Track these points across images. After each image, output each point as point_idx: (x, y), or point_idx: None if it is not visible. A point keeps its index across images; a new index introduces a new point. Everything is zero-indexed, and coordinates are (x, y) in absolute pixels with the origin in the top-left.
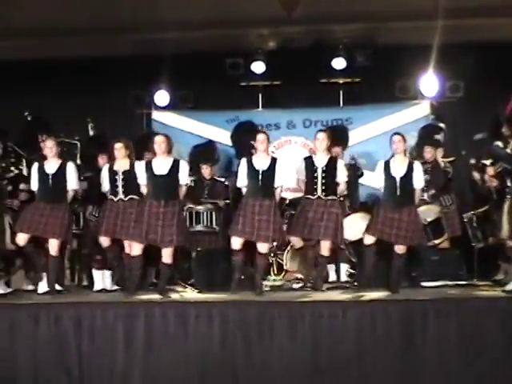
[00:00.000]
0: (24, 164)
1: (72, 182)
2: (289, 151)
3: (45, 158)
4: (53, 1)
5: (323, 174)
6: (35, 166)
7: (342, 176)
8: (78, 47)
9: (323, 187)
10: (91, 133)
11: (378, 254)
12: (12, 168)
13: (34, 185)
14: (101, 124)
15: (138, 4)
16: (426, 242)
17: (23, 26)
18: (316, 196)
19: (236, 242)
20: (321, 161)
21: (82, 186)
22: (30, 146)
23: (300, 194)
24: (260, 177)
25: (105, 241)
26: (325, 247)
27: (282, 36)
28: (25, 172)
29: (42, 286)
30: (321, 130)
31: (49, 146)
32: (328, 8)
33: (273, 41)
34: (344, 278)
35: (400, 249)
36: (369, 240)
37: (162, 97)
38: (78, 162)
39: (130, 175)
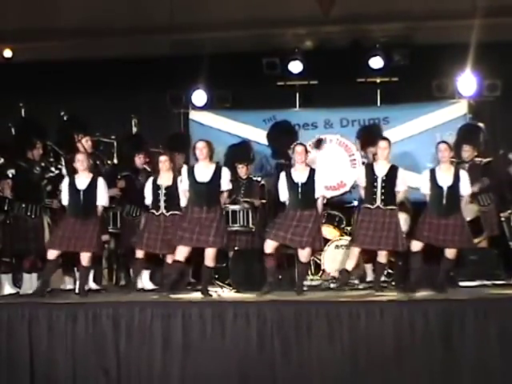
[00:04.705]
0: (63, 163)
1: (102, 198)
2: (325, 149)
3: (75, 171)
4: (91, 2)
5: (383, 184)
6: (66, 181)
7: (401, 185)
8: (116, 47)
9: (382, 197)
10: (134, 129)
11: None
12: (52, 168)
13: (65, 199)
14: (138, 123)
15: (175, 4)
16: (474, 245)
17: (62, 27)
18: (375, 205)
19: (268, 246)
20: (381, 169)
21: (120, 184)
22: (66, 145)
23: (337, 193)
24: (299, 189)
25: (140, 253)
26: (382, 255)
27: (318, 35)
28: (64, 171)
29: None
30: (384, 139)
31: (79, 160)
32: (365, 7)
33: (310, 40)
34: (382, 277)
35: (450, 253)
36: (416, 246)
37: (199, 96)
38: (115, 161)
39: (172, 191)
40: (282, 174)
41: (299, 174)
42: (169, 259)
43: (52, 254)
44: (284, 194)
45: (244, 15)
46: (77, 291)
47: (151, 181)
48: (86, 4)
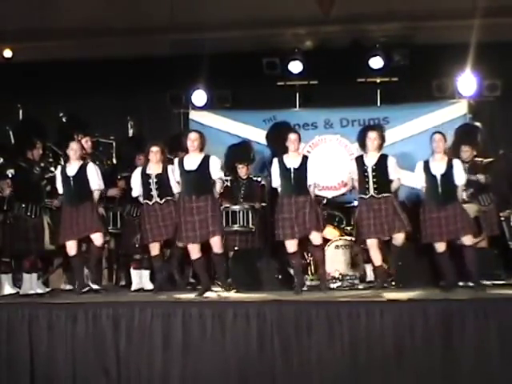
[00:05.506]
0: (62, 163)
1: (94, 183)
2: (324, 149)
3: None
4: (91, 2)
5: (374, 173)
6: (58, 169)
7: (393, 173)
8: (116, 47)
9: (375, 185)
10: (131, 131)
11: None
12: (52, 168)
13: (60, 188)
14: (139, 123)
15: (175, 4)
16: (477, 233)
17: (62, 27)
18: (369, 195)
19: (290, 245)
20: (371, 160)
21: (120, 184)
22: (66, 145)
23: (338, 193)
24: (292, 175)
25: (154, 248)
26: (398, 238)
27: (318, 35)
28: None
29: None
30: (373, 129)
31: (73, 148)
32: (365, 7)
33: (310, 40)
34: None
35: (467, 240)
36: (441, 247)
37: (199, 96)
38: (114, 161)
39: (163, 178)
40: (275, 160)
41: (292, 160)
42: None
43: (71, 248)
44: (276, 180)
45: (244, 15)
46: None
47: (139, 171)
48: (86, 4)
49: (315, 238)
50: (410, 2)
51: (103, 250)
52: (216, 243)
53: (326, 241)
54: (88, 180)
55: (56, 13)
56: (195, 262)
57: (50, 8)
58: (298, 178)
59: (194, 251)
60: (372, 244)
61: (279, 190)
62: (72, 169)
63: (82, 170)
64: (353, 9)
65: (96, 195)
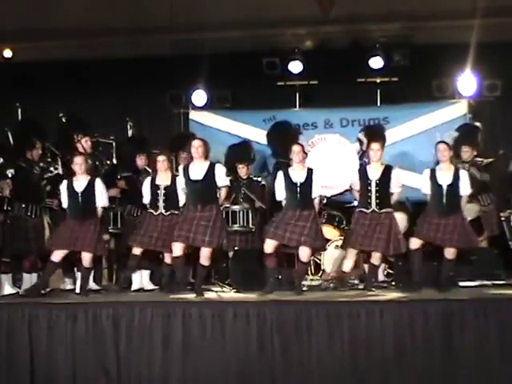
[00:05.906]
0: (59, 163)
1: (100, 199)
2: (324, 148)
3: (72, 172)
4: (91, 2)
5: (377, 188)
6: (64, 183)
7: (395, 187)
8: (116, 47)
9: (377, 200)
10: (130, 132)
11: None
12: (51, 168)
13: (65, 202)
14: (139, 124)
15: (175, 4)
16: (474, 244)
17: (61, 27)
18: (370, 209)
19: (268, 245)
20: (375, 173)
21: (121, 184)
22: (65, 146)
23: (338, 192)
24: (298, 189)
25: (136, 250)
26: (375, 257)
27: (318, 35)
28: (60, 171)
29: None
30: (376, 140)
31: (78, 163)
32: (365, 7)
33: (310, 40)
34: (382, 277)
35: (449, 253)
36: (415, 244)
37: (199, 96)
38: (114, 161)
39: (171, 190)
40: (280, 174)
41: (297, 174)
42: (167, 259)
43: (57, 256)
44: (281, 194)
45: (244, 15)
46: (78, 291)
47: (149, 180)
48: (86, 4)
49: (304, 254)
50: (410, 2)
51: (90, 272)
52: (205, 254)
53: (326, 241)
54: (95, 196)
55: (56, 13)
56: (174, 260)
57: (49, 8)
58: (303, 193)
59: (177, 249)
60: (350, 252)
61: (283, 202)
62: (80, 184)
63: (91, 186)
64: (353, 9)
65: (100, 212)
